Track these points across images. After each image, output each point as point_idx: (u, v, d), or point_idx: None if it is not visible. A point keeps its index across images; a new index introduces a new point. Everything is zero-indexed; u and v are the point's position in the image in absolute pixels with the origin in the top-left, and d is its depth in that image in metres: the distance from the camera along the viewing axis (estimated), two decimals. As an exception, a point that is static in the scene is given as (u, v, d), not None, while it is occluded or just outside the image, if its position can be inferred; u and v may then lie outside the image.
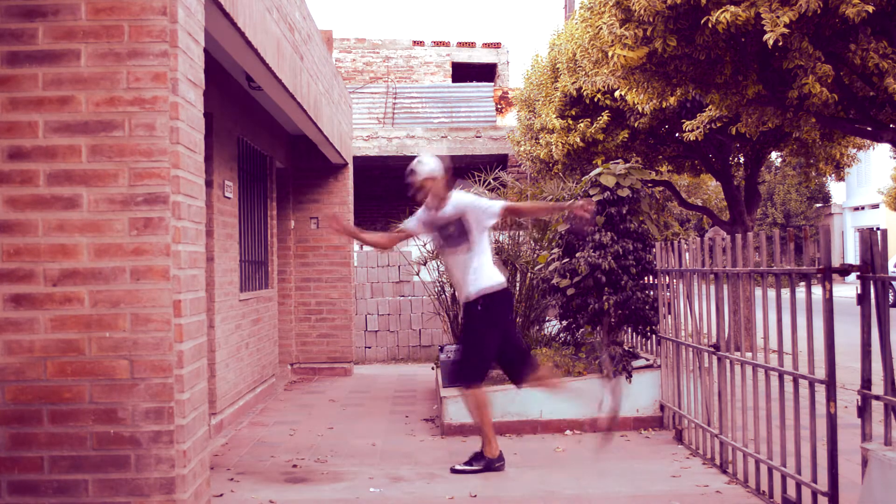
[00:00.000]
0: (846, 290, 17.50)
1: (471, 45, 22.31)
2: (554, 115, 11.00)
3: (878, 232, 3.66)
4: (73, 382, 3.42)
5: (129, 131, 3.44)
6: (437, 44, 22.13)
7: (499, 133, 16.34)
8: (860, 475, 3.76)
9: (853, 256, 33.57)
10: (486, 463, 5.03)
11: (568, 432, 6.07)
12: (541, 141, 11.78)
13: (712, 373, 5.11)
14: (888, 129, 6.96)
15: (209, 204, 6.17)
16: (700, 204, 17.34)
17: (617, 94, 8.72)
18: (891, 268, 19.65)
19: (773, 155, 14.37)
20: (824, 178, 17.14)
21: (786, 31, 5.51)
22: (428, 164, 5.17)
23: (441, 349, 6.59)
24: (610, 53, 6.62)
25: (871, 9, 5.41)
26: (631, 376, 6.14)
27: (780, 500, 4.17)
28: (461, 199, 5.19)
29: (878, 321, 3.61)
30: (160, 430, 3.41)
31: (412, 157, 18.93)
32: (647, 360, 6.49)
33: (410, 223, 5.44)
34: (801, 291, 8.32)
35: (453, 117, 17.82)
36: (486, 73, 22.77)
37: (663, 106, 8.50)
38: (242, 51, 5.08)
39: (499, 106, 17.97)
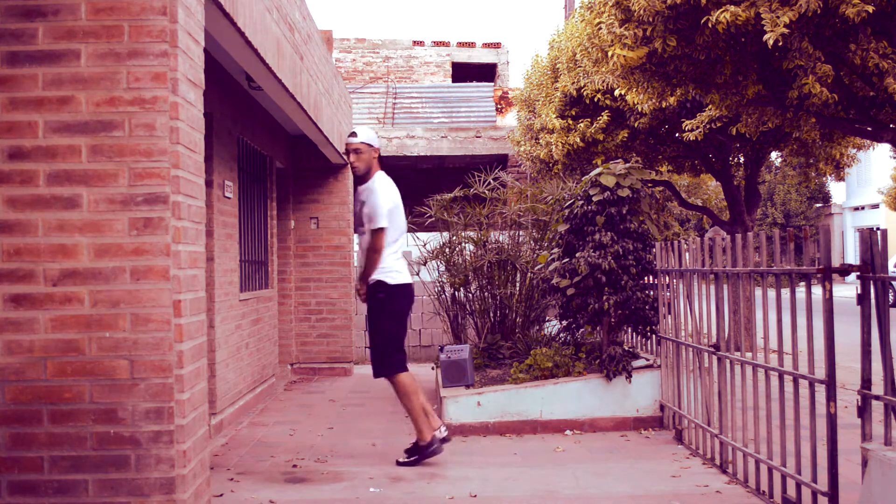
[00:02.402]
0: (846, 290, 17.50)
1: (471, 45, 22.32)
2: (554, 115, 11.00)
3: (878, 232, 3.66)
4: (73, 382, 3.42)
5: (129, 131, 3.44)
6: (437, 44, 22.14)
7: (499, 133, 16.34)
8: (860, 475, 3.76)
9: (853, 256, 33.57)
10: (421, 451, 5.15)
11: (568, 432, 6.07)
12: (541, 141, 11.78)
13: (712, 373, 5.11)
14: (888, 129, 6.96)
15: (209, 204, 6.17)
16: (700, 204, 17.33)
17: (617, 93, 8.72)
18: (891, 268, 19.65)
19: (773, 155, 14.36)
20: (824, 178, 17.12)
21: (786, 31, 5.51)
22: (366, 132, 5.42)
23: (441, 349, 6.59)
24: (610, 53, 6.62)
25: (871, 9, 5.41)
26: (631, 376, 6.14)
27: (780, 500, 4.17)
28: (378, 188, 5.28)
29: (878, 321, 3.61)
30: (160, 430, 3.41)
31: (412, 157, 18.86)
32: (647, 360, 6.49)
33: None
34: (801, 291, 8.31)
35: (453, 117, 17.83)
36: (486, 73, 22.77)
37: (663, 106, 8.50)
38: (242, 51, 5.08)
39: (499, 106, 17.98)
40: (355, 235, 5.42)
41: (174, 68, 3.45)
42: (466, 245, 8.34)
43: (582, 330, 7.03)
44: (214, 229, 6.22)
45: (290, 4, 6.27)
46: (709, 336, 5.27)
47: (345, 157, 5.48)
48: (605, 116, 10.42)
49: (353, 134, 5.39)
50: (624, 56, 6.48)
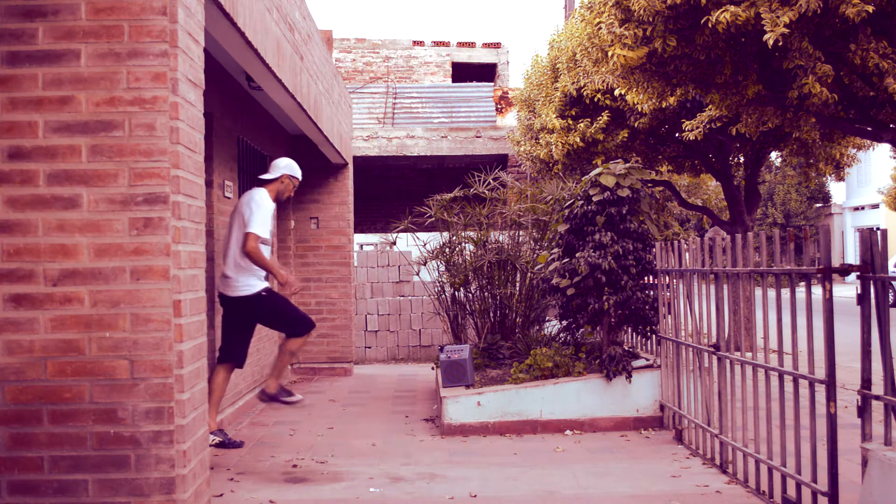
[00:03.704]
0: (846, 291, 17.49)
1: (471, 45, 22.32)
2: (554, 115, 11.00)
3: (878, 232, 3.66)
4: (73, 382, 3.42)
5: (129, 131, 3.44)
6: (437, 44, 22.14)
7: (499, 133, 16.34)
8: (860, 475, 3.76)
9: (853, 256, 33.57)
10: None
11: (568, 432, 6.07)
12: (541, 141, 11.78)
13: (712, 373, 5.11)
14: (888, 129, 6.95)
15: (209, 204, 6.17)
16: (700, 204, 17.34)
17: (617, 93, 8.72)
18: (891, 268, 19.64)
19: (773, 155, 14.36)
20: (824, 178, 17.13)
21: (786, 31, 5.51)
22: None
23: (441, 349, 6.59)
24: (610, 53, 6.62)
25: (871, 9, 5.41)
26: (631, 376, 6.14)
27: (780, 500, 4.17)
28: None
29: (878, 321, 3.61)
30: (160, 430, 3.41)
31: (412, 157, 18.85)
32: (647, 360, 6.49)
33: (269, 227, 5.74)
34: (801, 291, 8.28)
35: (453, 117, 17.83)
36: (486, 73, 22.78)
37: (663, 106, 8.50)
38: (242, 51, 5.08)
39: (499, 106, 17.98)
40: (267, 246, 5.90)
41: (174, 68, 3.45)
42: (466, 245, 8.35)
43: (582, 330, 7.03)
44: (214, 229, 6.22)
45: (290, 4, 6.27)
46: (709, 336, 5.27)
47: (294, 189, 6.05)
48: (605, 116, 10.42)
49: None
50: (624, 56, 6.48)
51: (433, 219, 8.55)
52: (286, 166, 5.87)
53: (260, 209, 5.51)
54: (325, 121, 8.05)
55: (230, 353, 5.76)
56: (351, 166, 10.09)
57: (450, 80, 21.81)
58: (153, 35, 3.43)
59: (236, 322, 5.76)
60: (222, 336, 5.84)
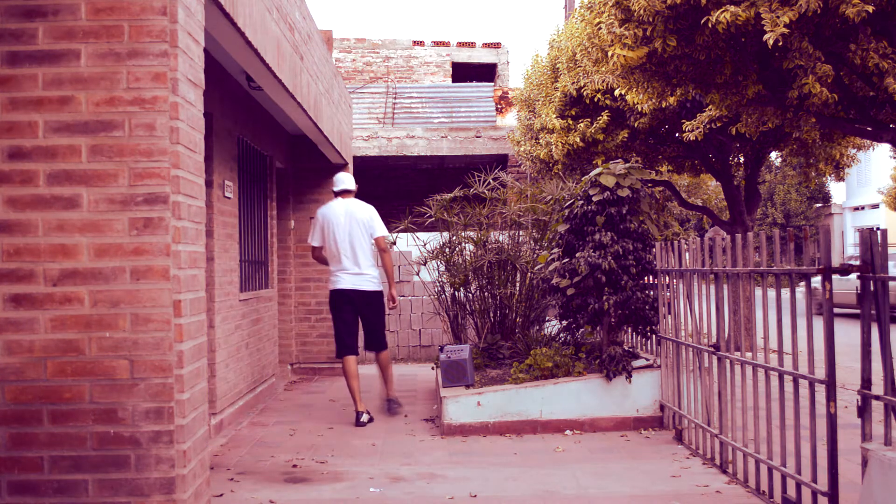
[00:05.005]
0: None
1: (471, 45, 22.32)
2: (554, 115, 11.00)
3: (878, 232, 3.66)
4: (73, 382, 3.42)
5: (129, 131, 3.44)
6: (437, 44, 22.14)
7: (499, 133, 16.35)
8: (860, 475, 3.76)
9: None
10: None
11: (568, 432, 6.07)
12: (541, 141, 11.78)
13: (712, 373, 5.11)
14: (888, 129, 6.95)
15: (209, 204, 6.17)
16: (700, 204, 17.33)
17: (617, 93, 8.72)
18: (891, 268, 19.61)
19: (773, 155, 14.36)
20: (824, 178, 17.12)
21: (786, 31, 5.51)
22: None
23: (441, 349, 6.59)
24: (610, 53, 6.62)
25: (871, 9, 5.41)
26: (631, 376, 6.14)
27: (780, 500, 4.17)
28: None
29: (878, 321, 3.61)
30: (160, 430, 3.41)
31: (412, 157, 18.85)
32: (647, 360, 6.49)
33: None
34: (800, 291, 8.26)
35: (453, 117, 17.83)
36: (486, 73, 22.78)
37: (663, 106, 8.49)
38: (242, 51, 5.08)
39: (499, 106, 17.98)
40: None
41: (174, 68, 3.45)
42: (466, 245, 8.34)
43: (582, 330, 7.03)
44: (214, 229, 6.22)
45: (290, 4, 6.27)
46: (709, 336, 5.27)
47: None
48: (605, 116, 10.41)
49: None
50: (624, 56, 6.48)
51: (433, 219, 8.54)
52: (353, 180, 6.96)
53: (378, 216, 6.73)
54: (325, 121, 8.05)
55: (375, 342, 6.86)
56: (351, 166, 10.09)
57: (450, 80, 21.81)
58: (153, 35, 3.43)
59: (364, 315, 6.75)
60: (363, 331, 6.82)
